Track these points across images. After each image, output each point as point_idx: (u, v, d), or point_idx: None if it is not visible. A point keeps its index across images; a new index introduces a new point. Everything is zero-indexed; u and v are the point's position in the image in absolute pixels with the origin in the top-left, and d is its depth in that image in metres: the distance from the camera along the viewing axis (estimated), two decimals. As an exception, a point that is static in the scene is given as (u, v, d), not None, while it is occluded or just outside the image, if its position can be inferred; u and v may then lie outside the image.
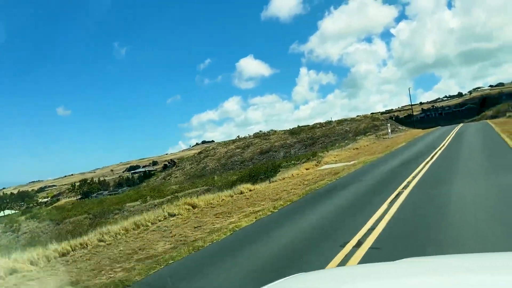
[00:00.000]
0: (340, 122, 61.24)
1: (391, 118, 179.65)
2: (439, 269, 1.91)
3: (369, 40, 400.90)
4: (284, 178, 18.42)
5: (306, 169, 21.39)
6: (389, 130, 40.14)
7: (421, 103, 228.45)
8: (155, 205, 25.60)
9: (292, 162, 30.19)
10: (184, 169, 63.74)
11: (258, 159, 57.57)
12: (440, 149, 19.90)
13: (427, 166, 13.87)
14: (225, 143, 70.56)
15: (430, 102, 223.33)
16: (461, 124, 54.02)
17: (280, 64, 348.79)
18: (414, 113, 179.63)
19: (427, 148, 22.11)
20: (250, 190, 14.96)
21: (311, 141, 56.39)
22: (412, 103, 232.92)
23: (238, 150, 63.36)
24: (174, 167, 68.74)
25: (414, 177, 11.77)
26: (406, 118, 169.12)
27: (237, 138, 70.75)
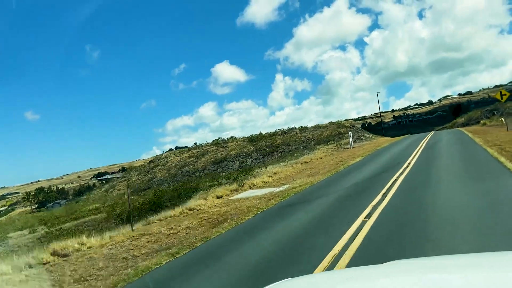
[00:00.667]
0: (303, 129, 55.26)
1: (363, 125, 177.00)
2: (430, 268, 1.94)
3: (343, 48, 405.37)
4: (166, 218, 11.71)
5: (217, 197, 14.78)
6: (351, 139, 34.20)
7: (393, 110, 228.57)
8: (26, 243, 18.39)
9: (218, 181, 23.48)
10: (129, 180, 56.02)
11: (211, 169, 50.76)
12: (405, 168, 13.67)
13: (380, 207, 7.61)
14: (180, 151, 63.36)
15: (402, 110, 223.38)
16: (432, 132, 49.02)
17: (256, 70, 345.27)
18: (386, 120, 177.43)
19: (388, 165, 15.98)
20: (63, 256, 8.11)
21: (270, 149, 50.03)
22: (385, 111, 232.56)
23: (192, 159, 56.33)
24: (121, 178, 60.86)
25: (346, 247, 5.37)
26: (378, 125, 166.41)
27: (194, 145, 63.76)
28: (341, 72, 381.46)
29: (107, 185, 61.26)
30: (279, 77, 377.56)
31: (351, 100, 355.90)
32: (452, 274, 1.72)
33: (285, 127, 61.09)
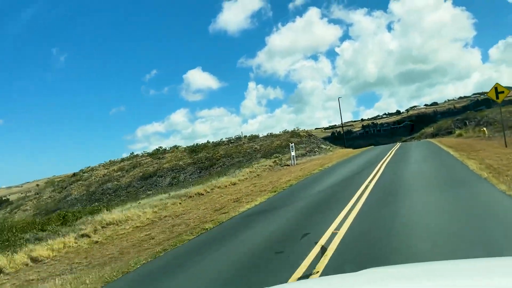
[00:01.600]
0: (252, 138, 46.52)
1: (333, 133, 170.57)
2: (405, 275, 1.95)
3: (315, 57, 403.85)
4: None
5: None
6: (293, 154, 25.57)
7: (362, 120, 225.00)
8: None
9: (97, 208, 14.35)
10: (40, 198, 45.19)
11: (137, 186, 40.98)
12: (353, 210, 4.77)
13: None
14: (111, 162, 53.05)
15: (370, 119, 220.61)
16: (398, 145, 41.39)
17: (229, 78, 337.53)
18: (355, 129, 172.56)
19: (323, 204, 7.28)
20: None
21: (209, 162, 40.89)
22: (354, 120, 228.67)
23: (119, 173, 46.26)
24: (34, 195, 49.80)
25: None
26: (346, 134, 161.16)
27: (131, 155, 53.57)
28: (312, 81, 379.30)
29: (14, 204, 49.98)
30: (251, 85, 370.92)
31: (323, 109, 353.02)
32: (426, 281, 1.75)
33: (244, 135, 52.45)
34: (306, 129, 48.47)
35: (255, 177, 19.97)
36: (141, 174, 42.35)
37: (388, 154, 22.97)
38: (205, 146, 47.63)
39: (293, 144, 27.11)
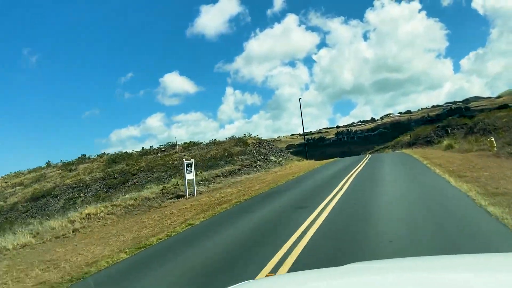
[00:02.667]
0: (188, 146, 36.25)
1: (308, 140, 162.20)
2: (388, 269, 1.94)
3: (292, 64, 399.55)
4: None
5: None
6: (189, 178, 15.52)
7: (337, 127, 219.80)
8: None
9: None
10: None
11: (23, 208, 29.87)
12: None
13: None
14: (15, 174, 41.52)
15: (346, 126, 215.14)
16: (368, 157, 32.17)
17: (206, 82, 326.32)
18: (329, 137, 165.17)
19: None
20: None
21: (122, 178, 30.35)
22: (330, 126, 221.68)
23: (13, 189, 35.01)
24: None
25: None
26: (319, 141, 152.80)
27: (47, 164, 42.14)
28: (290, 88, 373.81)
29: None
30: (229, 90, 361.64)
31: (300, 115, 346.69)
32: (408, 274, 1.75)
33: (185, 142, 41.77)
34: (257, 136, 38.63)
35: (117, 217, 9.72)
36: (30, 193, 31.23)
37: (359, 166, 13.12)
38: (128, 156, 36.97)
39: (191, 161, 16.98)
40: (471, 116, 47.24)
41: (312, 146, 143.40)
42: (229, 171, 22.71)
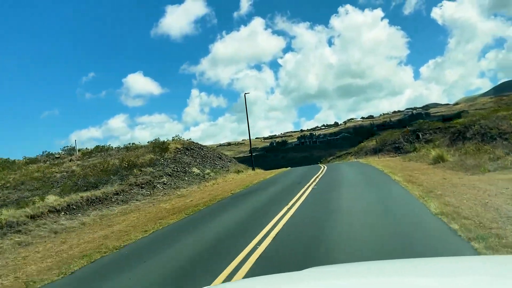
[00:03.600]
0: (89, 152, 26.78)
1: (272, 143, 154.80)
2: (348, 273, 1.96)
3: (258, 67, 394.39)
4: None
5: None
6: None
7: (301, 131, 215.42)
8: None
9: None
10: None
11: None
12: None
13: None
14: None
15: (310, 130, 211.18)
16: (324, 170, 24.23)
17: (171, 84, 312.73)
18: (291, 140, 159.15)
19: None
20: None
21: (-29, 198, 20.57)
22: (294, 130, 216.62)
23: None
24: None
25: None
26: (282, 145, 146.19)
27: None
28: (256, 91, 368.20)
29: None
30: (195, 92, 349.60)
31: (265, 119, 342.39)
32: (366, 279, 1.76)
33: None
34: (189, 140, 29.63)
35: None
36: None
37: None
38: (11, 164, 26.87)
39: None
40: (449, 119, 40.79)
41: (274, 150, 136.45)
42: (98, 197, 13.70)
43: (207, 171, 22.40)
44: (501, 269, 1.68)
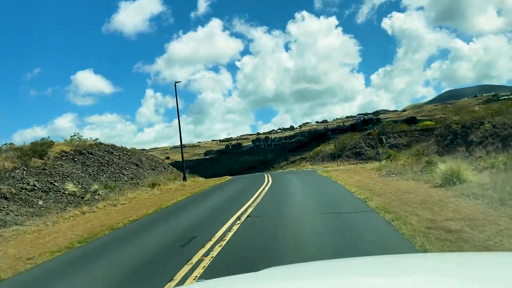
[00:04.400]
0: None
1: (228, 146, 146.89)
2: (306, 273, 1.93)
3: (216, 69, 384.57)
4: None
5: None
6: None
7: (258, 134, 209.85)
8: None
9: None
10: None
11: None
12: None
13: None
14: None
15: (266, 133, 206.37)
16: (268, 184, 17.03)
17: (124, 83, 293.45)
18: (245, 144, 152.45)
19: None
20: None
21: None
22: (251, 133, 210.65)
23: None
24: None
25: None
26: (236, 148, 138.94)
27: None
28: (213, 93, 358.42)
29: None
30: (149, 92, 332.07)
31: (222, 121, 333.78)
32: (320, 279, 1.74)
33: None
34: (91, 140, 21.39)
35: None
36: None
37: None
38: None
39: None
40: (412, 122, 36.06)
41: (228, 153, 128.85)
42: None
43: (95, 187, 14.52)
44: (442, 267, 1.69)
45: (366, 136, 32.44)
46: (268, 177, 20.87)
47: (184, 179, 25.86)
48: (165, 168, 30.41)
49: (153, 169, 25.33)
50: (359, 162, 30.57)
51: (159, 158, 34.17)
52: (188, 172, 53.65)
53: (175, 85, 27.74)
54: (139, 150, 34.07)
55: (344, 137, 35.63)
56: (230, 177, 33.29)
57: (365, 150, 31.12)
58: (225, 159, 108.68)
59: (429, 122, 30.07)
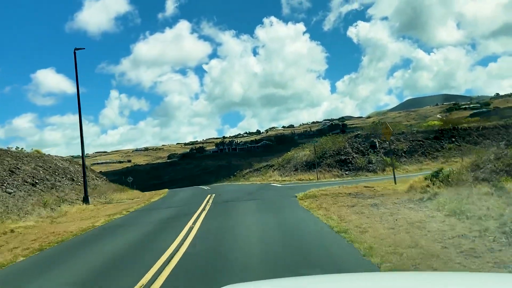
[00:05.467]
0: None
1: (192, 150, 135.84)
2: None
3: (183, 72, 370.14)
4: None
5: None
6: None
7: (224, 137, 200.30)
8: None
9: None
10: None
11: None
12: None
13: None
14: None
15: (232, 137, 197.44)
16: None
17: (87, 83, 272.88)
18: (208, 148, 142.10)
19: None
20: None
21: None
22: (217, 137, 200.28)
23: None
24: None
25: None
26: (199, 152, 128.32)
27: None
28: (180, 96, 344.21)
29: None
30: (114, 93, 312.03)
31: (189, 124, 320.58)
32: None
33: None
34: None
35: None
36: None
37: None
38: None
39: None
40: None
41: (189, 158, 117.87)
42: None
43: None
44: None
45: (354, 138, 24.22)
46: (206, 205, 11.72)
47: (86, 200, 16.02)
48: (73, 180, 20.42)
49: (34, 185, 15.44)
50: (345, 174, 22.26)
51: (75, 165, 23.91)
52: (131, 180, 43.00)
53: (74, 53, 17.89)
54: (45, 154, 23.81)
55: (324, 139, 27.24)
56: (167, 191, 24.17)
57: (353, 157, 22.88)
58: (185, 164, 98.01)
59: (436, 122, 22.54)
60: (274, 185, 20.50)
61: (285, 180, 23.74)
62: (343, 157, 23.21)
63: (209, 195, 15.22)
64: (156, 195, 19.93)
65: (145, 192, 27.31)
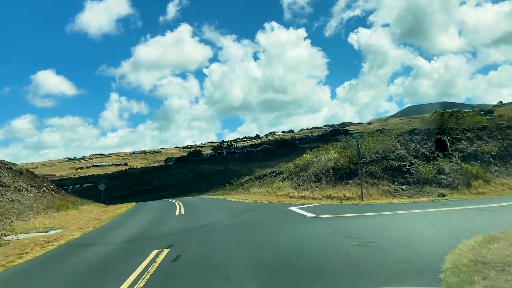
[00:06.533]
0: None
1: (189, 153, 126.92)
2: None
3: (183, 75, 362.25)
4: None
5: None
6: None
7: (222, 141, 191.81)
8: None
9: None
10: None
11: None
12: None
13: None
14: None
15: (232, 141, 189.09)
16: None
17: (87, 85, 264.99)
18: (205, 152, 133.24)
19: None
20: None
21: None
22: (216, 141, 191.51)
23: None
24: None
25: None
26: (196, 156, 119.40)
27: None
28: (179, 99, 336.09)
29: None
30: (114, 96, 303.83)
31: (188, 128, 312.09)
32: None
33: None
34: None
35: None
36: None
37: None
38: None
39: None
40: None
41: (184, 161, 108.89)
42: None
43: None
44: None
45: (407, 135, 15.70)
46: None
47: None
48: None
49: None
50: (401, 189, 13.75)
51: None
52: (103, 188, 34.14)
53: None
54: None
55: (365, 137, 18.40)
56: (126, 209, 15.61)
57: (411, 163, 14.38)
58: (178, 168, 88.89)
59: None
60: (299, 212, 11.67)
61: (305, 197, 15.17)
62: (395, 163, 14.70)
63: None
64: (98, 220, 11.36)
65: (107, 207, 18.74)
